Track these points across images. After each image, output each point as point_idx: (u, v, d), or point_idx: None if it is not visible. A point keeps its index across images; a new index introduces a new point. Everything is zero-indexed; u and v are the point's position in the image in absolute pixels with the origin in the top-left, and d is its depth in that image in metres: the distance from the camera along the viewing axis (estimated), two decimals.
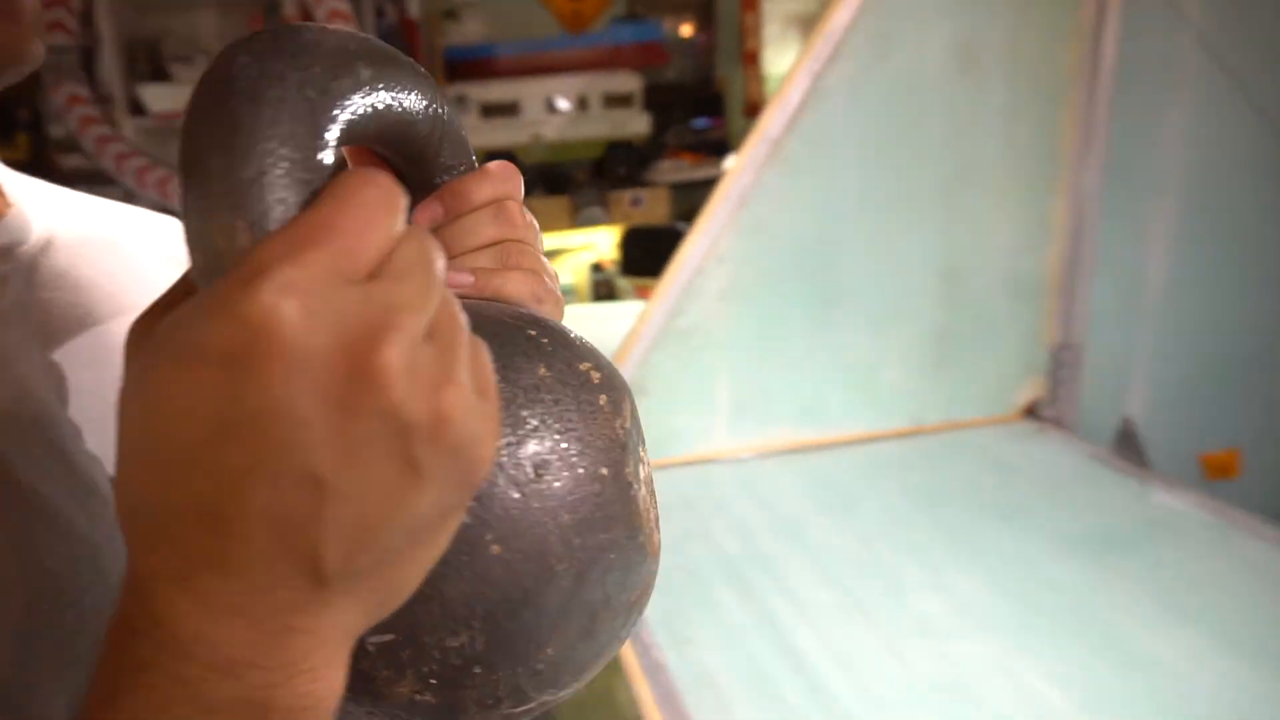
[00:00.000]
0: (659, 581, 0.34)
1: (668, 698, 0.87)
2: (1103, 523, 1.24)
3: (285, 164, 0.21)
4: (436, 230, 0.31)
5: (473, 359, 0.22)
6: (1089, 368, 1.65)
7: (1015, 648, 0.94)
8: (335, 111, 0.23)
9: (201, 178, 0.21)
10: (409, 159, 0.30)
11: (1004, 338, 1.64)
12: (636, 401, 0.33)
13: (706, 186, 3.26)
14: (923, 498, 1.34)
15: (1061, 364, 1.65)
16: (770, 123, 1.42)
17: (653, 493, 0.32)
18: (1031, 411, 1.67)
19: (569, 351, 0.29)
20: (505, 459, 0.25)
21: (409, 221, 0.22)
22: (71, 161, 3.01)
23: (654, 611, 1.01)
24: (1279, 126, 1.61)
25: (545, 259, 0.33)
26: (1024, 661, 0.91)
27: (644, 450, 0.32)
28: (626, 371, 1.46)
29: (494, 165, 0.32)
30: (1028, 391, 1.67)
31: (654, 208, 3.43)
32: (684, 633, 0.98)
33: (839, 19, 1.42)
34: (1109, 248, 1.63)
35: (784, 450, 1.52)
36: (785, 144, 1.43)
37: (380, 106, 0.25)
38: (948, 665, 0.92)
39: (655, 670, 0.91)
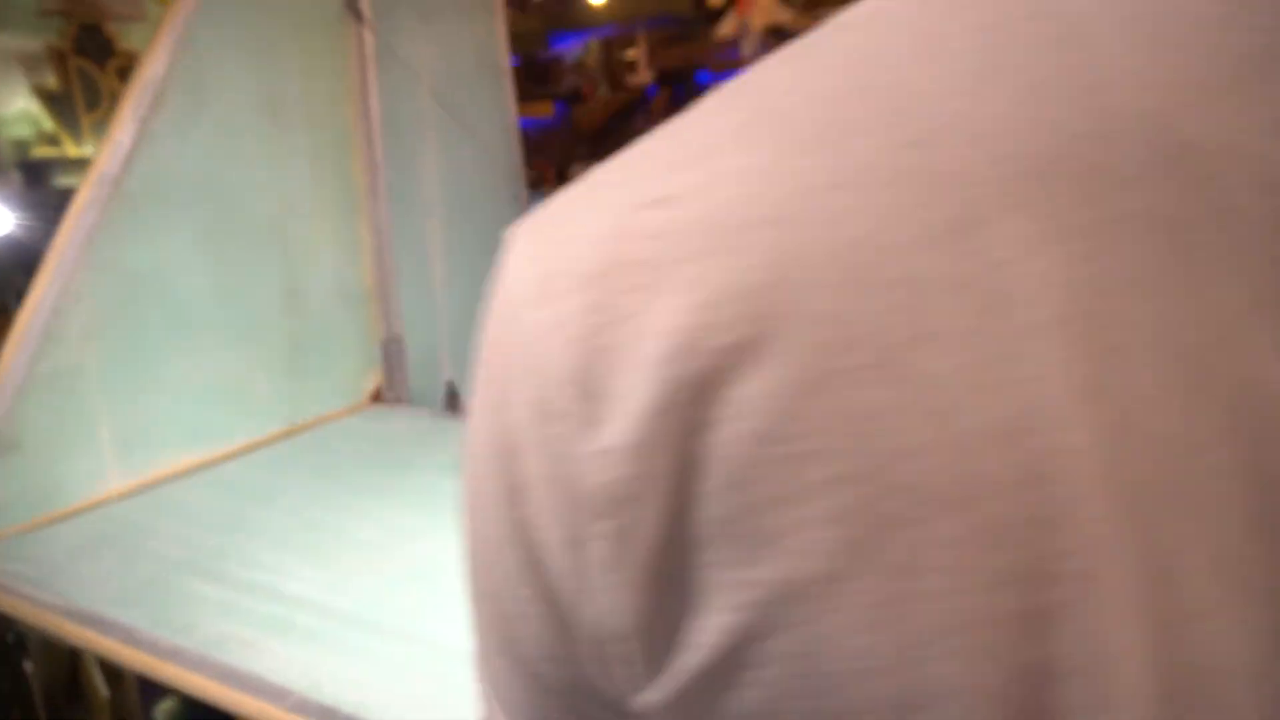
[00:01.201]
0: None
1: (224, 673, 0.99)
2: (458, 455, 1.66)
3: None
4: None
5: None
6: (412, 353, 2.08)
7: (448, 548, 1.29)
8: None
9: None
10: None
11: (345, 339, 1.97)
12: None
13: None
14: (325, 474, 1.59)
15: (391, 354, 2.05)
16: (107, 163, 1.48)
17: None
18: (378, 396, 2.04)
19: None
20: None
21: None
22: None
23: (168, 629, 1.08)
24: (496, 157, 2.28)
25: None
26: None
27: None
28: None
29: None
30: (371, 381, 2.03)
31: None
32: (185, 620, 1.07)
33: (155, 69, 1.55)
34: (405, 259, 2.08)
35: (183, 473, 1.59)
36: (125, 183, 1.51)
37: None
38: (407, 566, 1.22)
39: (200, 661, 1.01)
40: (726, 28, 3.99)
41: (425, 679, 0.95)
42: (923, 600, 0.19)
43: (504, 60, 2.31)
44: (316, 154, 1.87)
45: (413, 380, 2.09)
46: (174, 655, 1.01)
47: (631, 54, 4.50)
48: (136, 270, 1.55)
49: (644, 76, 4.49)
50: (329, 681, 0.94)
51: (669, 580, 0.22)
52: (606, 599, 0.23)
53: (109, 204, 1.49)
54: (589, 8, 4.29)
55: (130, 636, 1.05)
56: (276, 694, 0.92)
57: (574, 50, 4.72)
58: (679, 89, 4.50)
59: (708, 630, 0.21)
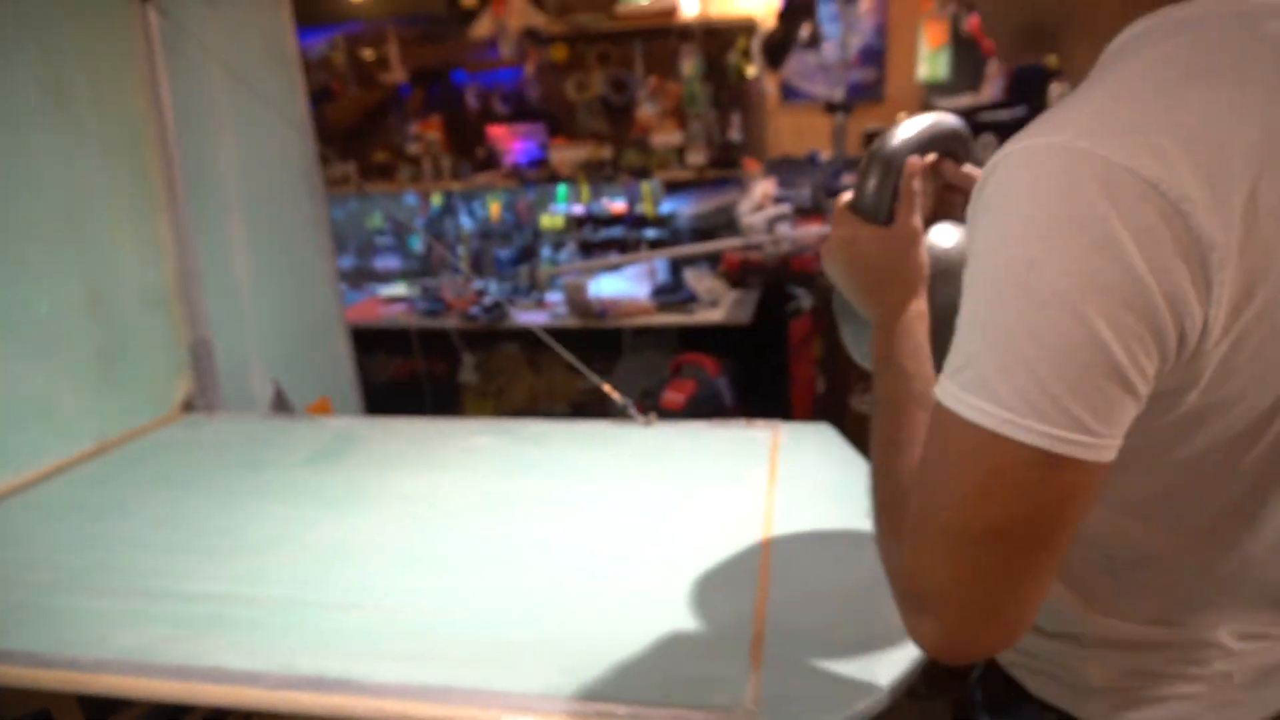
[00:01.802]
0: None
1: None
2: (312, 450, 1.61)
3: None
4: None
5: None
6: (223, 356, 1.96)
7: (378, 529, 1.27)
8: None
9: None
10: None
11: (151, 345, 1.82)
12: None
13: None
14: (174, 483, 1.48)
15: (201, 358, 1.92)
16: None
17: None
18: (189, 405, 1.90)
19: None
20: None
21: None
22: None
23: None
24: (291, 149, 2.19)
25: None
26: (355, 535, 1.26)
27: None
28: None
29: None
30: (180, 388, 1.89)
31: None
32: (90, 636, 0.99)
33: None
34: (208, 257, 1.95)
35: None
36: None
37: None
38: (322, 549, 1.20)
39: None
40: (483, 28, 4.04)
41: (397, 639, 0.97)
42: None
43: (293, 48, 2.23)
44: (109, 146, 1.71)
45: (226, 384, 1.96)
46: (101, 667, 0.94)
47: (368, 53, 4.42)
48: None
49: (397, 75, 4.42)
50: (300, 655, 0.93)
51: (1247, 283, 0.48)
52: (1215, 296, 0.48)
53: None
54: (334, 3, 4.16)
55: (36, 660, 0.96)
56: (248, 678, 0.90)
57: (319, 47, 4.55)
58: (434, 88, 4.47)
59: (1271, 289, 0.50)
